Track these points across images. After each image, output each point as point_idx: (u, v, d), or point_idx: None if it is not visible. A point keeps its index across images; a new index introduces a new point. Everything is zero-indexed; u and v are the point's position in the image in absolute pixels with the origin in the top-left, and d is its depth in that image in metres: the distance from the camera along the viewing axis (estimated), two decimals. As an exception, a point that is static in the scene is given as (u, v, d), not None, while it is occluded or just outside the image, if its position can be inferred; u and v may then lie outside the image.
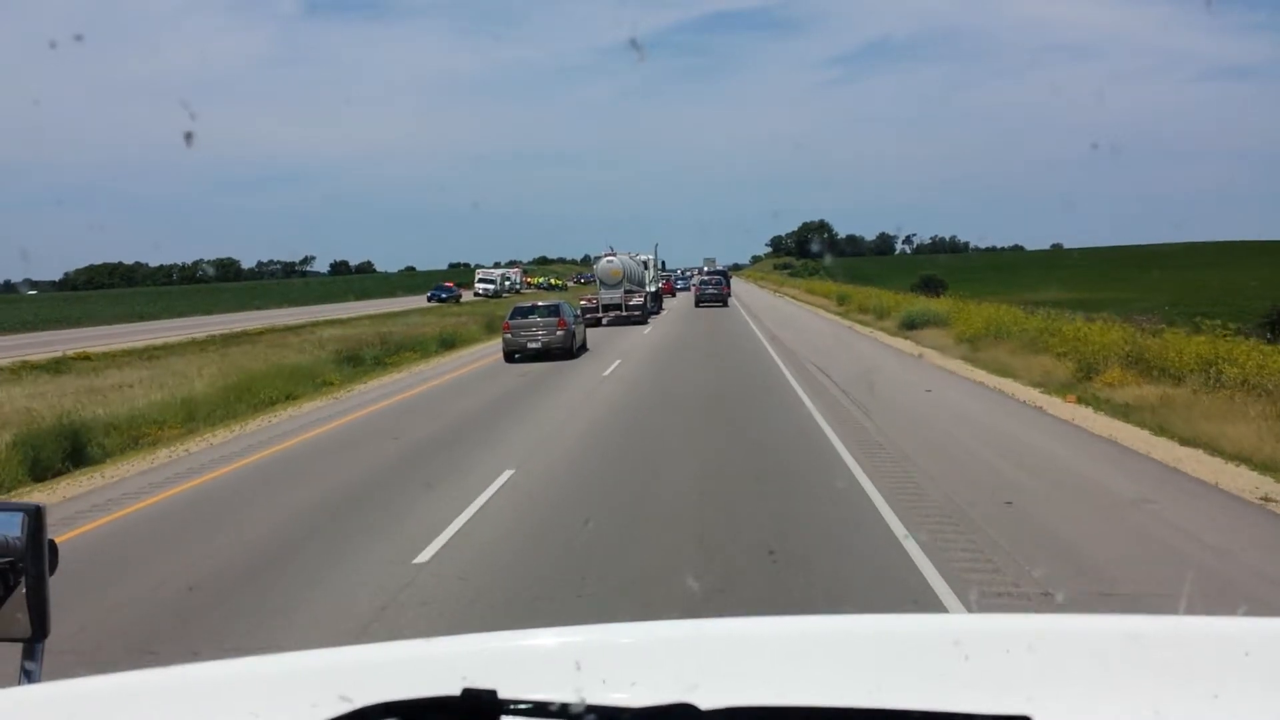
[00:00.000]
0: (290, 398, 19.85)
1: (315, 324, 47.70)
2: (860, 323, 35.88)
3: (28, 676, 1.55)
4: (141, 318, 67.64)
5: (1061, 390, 16.99)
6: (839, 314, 41.65)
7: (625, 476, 10.63)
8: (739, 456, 11.44)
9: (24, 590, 1.54)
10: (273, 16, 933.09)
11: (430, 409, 16.88)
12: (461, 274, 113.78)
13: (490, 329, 37.46)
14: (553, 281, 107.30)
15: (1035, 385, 17.78)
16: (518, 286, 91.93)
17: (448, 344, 30.82)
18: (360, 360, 25.98)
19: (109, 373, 26.12)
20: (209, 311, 72.66)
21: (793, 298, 63.66)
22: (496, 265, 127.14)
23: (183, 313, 72.26)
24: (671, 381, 19.47)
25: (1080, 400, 16.00)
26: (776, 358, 22.75)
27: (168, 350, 34.37)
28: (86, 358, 31.84)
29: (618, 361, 23.01)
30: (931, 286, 66.84)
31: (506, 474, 10.63)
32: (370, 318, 51.55)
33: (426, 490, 10.13)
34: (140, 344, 36.37)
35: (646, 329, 35.49)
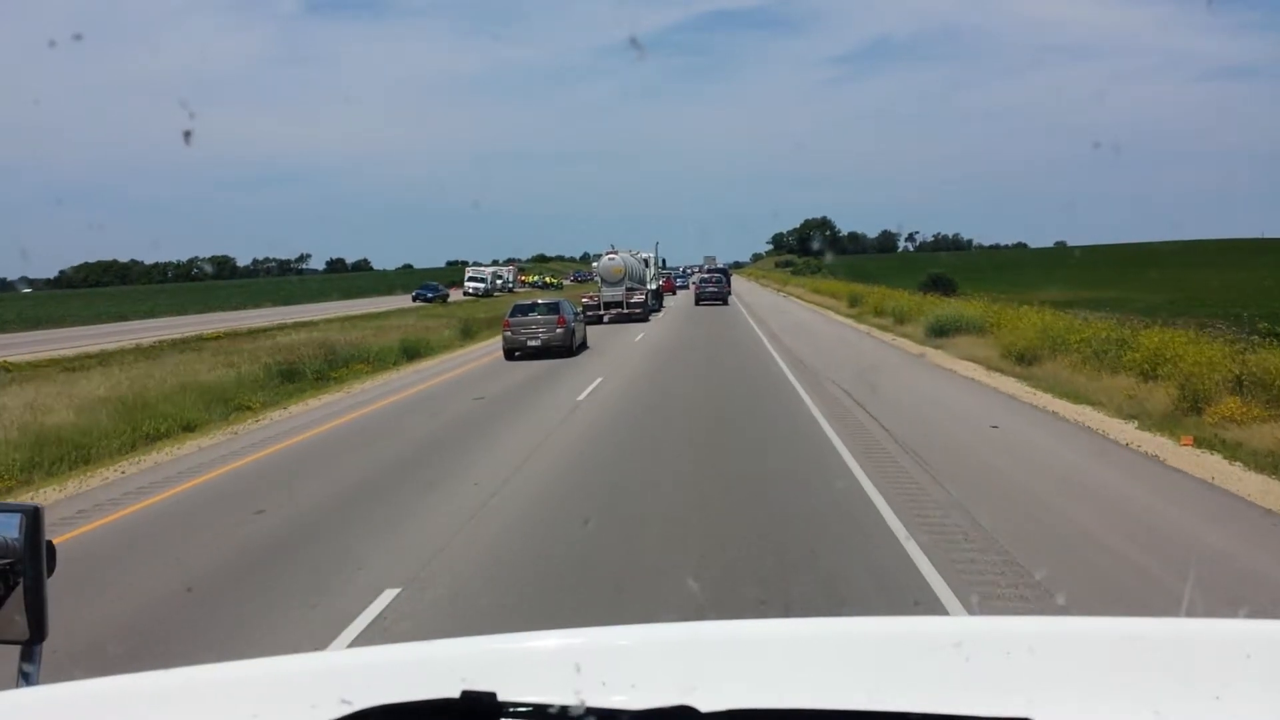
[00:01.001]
0: (188, 429, 15.79)
1: (282, 327, 43.60)
2: (878, 327, 31.78)
3: (26, 679, 1.50)
4: (119, 318, 63.52)
5: (1166, 426, 12.90)
6: (852, 317, 37.52)
7: (581, 595, 6.54)
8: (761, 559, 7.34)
9: (22, 592, 1.49)
10: (273, 16, 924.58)
11: (341, 452, 12.82)
12: (458, 272, 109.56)
13: (467, 334, 33.41)
14: (547, 280, 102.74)
15: (1127, 418, 13.70)
16: (510, 285, 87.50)
17: (411, 353, 26.68)
18: (298, 375, 21.91)
19: (9, 391, 22.06)
20: (184, 312, 68.62)
21: (798, 298, 59.45)
22: (495, 263, 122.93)
23: (158, 312, 68.22)
24: (663, 407, 15.43)
25: (1198, 443, 11.94)
26: (788, 372, 18.68)
27: (101, 359, 30.30)
28: (5, 369, 27.85)
29: (599, 380, 18.90)
30: (941, 285, 63.11)
31: (385, 599, 6.57)
32: (344, 320, 47.44)
33: (231, 639, 6.05)
34: (72, 352, 32.33)
35: (639, 336, 31.39)
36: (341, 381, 21.63)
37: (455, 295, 74.56)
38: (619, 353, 24.53)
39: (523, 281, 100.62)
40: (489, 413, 15.53)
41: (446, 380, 20.98)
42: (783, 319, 38.08)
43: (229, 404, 17.82)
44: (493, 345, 30.44)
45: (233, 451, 13.23)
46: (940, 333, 26.34)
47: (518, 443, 12.42)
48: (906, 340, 26.99)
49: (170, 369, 23.68)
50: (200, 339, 37.73)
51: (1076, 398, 15.72)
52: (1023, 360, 19.89)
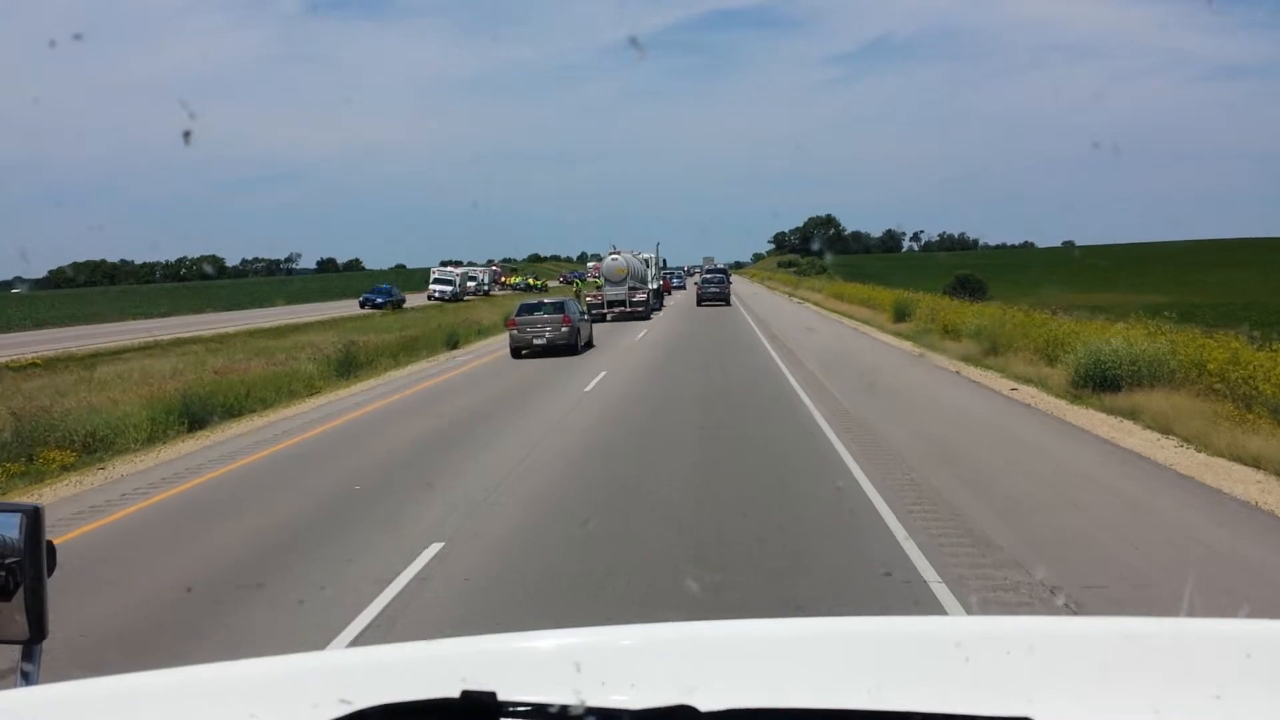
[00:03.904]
0: None
1: (151, 346, 32.21)
2: (959, 358, 20.32)
3: (25, 678, 1.47)
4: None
5: None
6: (907, 338, 25.92)
7: None
8: None
9: (22, 592, 1.45)
10: (273, 16, 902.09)
11: None
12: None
13: (345, 368, 21.75)
14: (530, 281, 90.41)
15: None
16: (486, 288, 75.40)
17: (198, 417, 15.10)
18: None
19: None
20: (104, 319, 57.20)
21: (816, 305, 47.68)
22: (490, 262, 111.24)
23: (61, 321, 56.72)
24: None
25: None
26: (889, 518, 7.45)
27: None
28: None
29: (448, 534, 7.41)
30: (969, 288, 53.49)
31: None
32: (247, 334, 36.02)
33: None
34: None
35: (589, 384, 19.80)
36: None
37: (417, 300, 62.99)
38: (533, 433, 13.19)
39: (504, 283, 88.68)
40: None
41: (123, 522, 9.41)
42: (812, 343, 26.47)
43: None
44: (375, 390, 18.97)
45: None
46: (1104, 381, 14.90)
47: None
48: (1036, 391, 15.51)
49: None
50: (8, 366, 26.41)
51: None
52: None
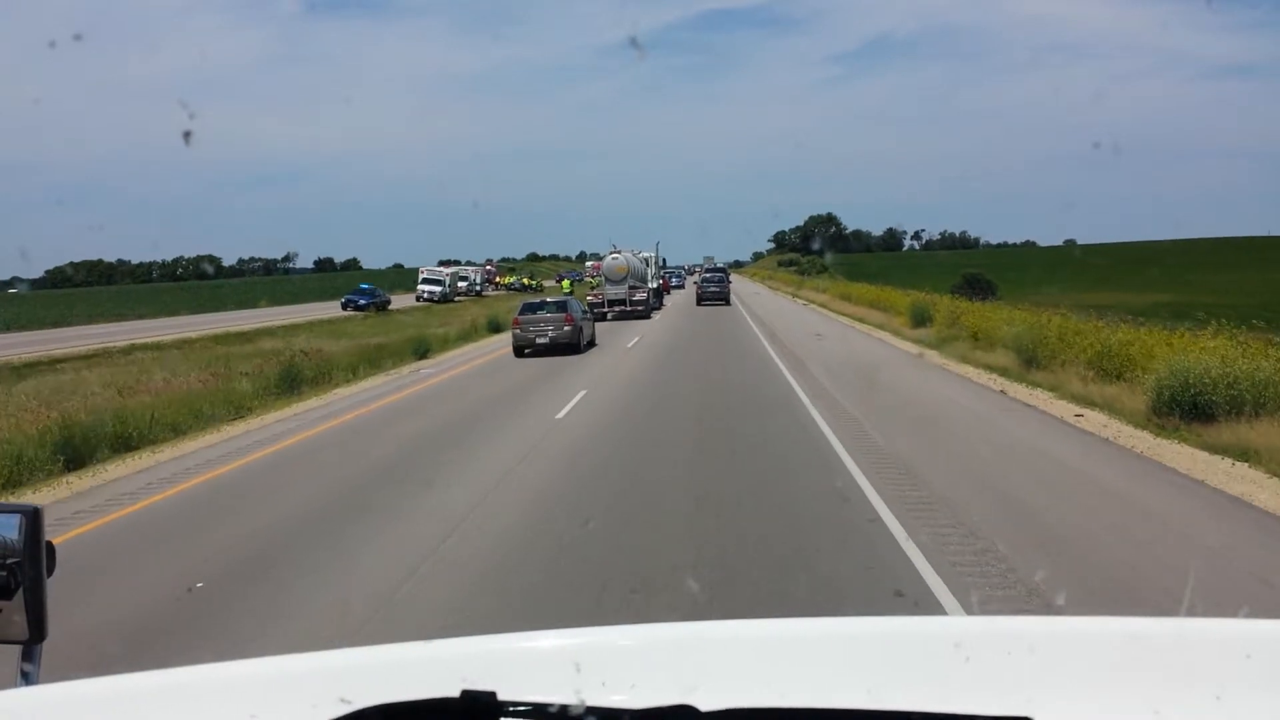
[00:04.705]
0: None
1: (94, 354, 29.34)
2: (989, 368, 17.43)
3: (26, 678, 1.45)
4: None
5: None
6: (927, 345, 22.99)
7: None
8: None
9: (22, 593, 1.44)
10: (273, 16, 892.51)
11: None
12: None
13: (286, 385, 18.79)
14: (525, 281, 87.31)
15: None
16: (478, 288, 72.31)
17: (79, 453, 12.18)
18: None
19: None
20: (66, 323, 54.40)
21: (821, 307, 44.63)
22: (488, 261, 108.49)
23: (34, 324, 53.90)
24: None
25: None
26: None
27: None
28: None
29: None
30: (978, 288, 50.98)
31: None
32: (207, 339, 33.15)
33: None
34: None
35: (579, 393, 16.83)
36: None
37: (408, 300, 60.03)
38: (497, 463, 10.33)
39: (498, 284, 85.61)
40: None
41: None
42: (821, 350, 23.59)
43: None
44: (310, 415, 16.08)
45: None
46: (1194, 408, 11.95)
47: None
48: (1107, 418, 12.58)
49: None
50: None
51: None
52: None
